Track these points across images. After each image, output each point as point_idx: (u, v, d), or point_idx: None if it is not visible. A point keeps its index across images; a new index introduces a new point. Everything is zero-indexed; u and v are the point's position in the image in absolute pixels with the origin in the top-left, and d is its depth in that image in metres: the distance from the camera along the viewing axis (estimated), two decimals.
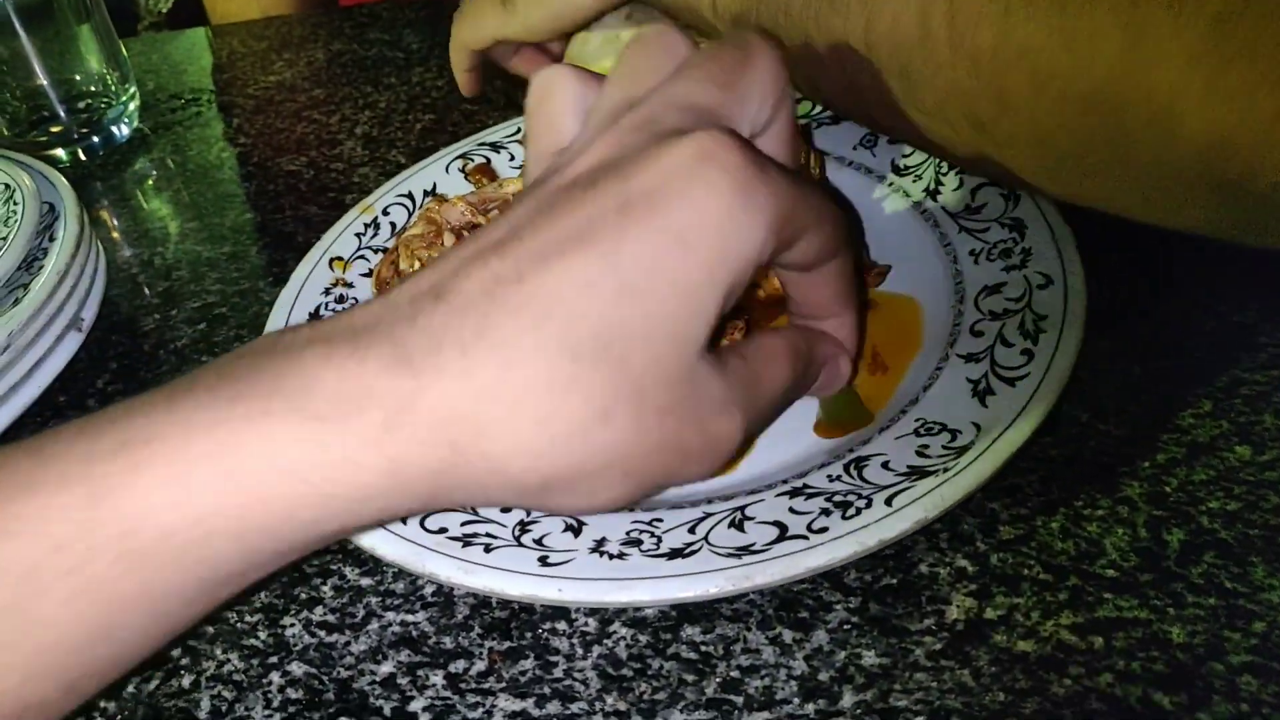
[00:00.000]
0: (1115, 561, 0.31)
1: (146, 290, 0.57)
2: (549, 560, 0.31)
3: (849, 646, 0.30)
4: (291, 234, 0.60)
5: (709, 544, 0.31)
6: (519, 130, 0.58)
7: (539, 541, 0.32)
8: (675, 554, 0.31)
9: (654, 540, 0.32)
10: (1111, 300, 0.40)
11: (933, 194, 0.45)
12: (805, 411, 0.37)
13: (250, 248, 0.60)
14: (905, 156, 0.49)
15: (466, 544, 0.33)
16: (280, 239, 0.60)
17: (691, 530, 0.32)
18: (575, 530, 0.33)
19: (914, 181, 0.47)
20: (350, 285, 0.49)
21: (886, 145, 0.50)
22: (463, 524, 0.34)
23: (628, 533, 0.32)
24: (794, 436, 0.36)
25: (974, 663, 0.29)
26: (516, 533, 0.33)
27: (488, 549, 0.32)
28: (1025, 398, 0.33)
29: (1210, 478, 0.33)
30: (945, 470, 0.31)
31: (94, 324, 0.52)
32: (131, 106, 0.73)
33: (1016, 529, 0.33)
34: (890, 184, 0.47)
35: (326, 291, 0.49)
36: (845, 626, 0.31)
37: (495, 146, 0.57)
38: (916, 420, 0.34)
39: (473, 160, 0.57)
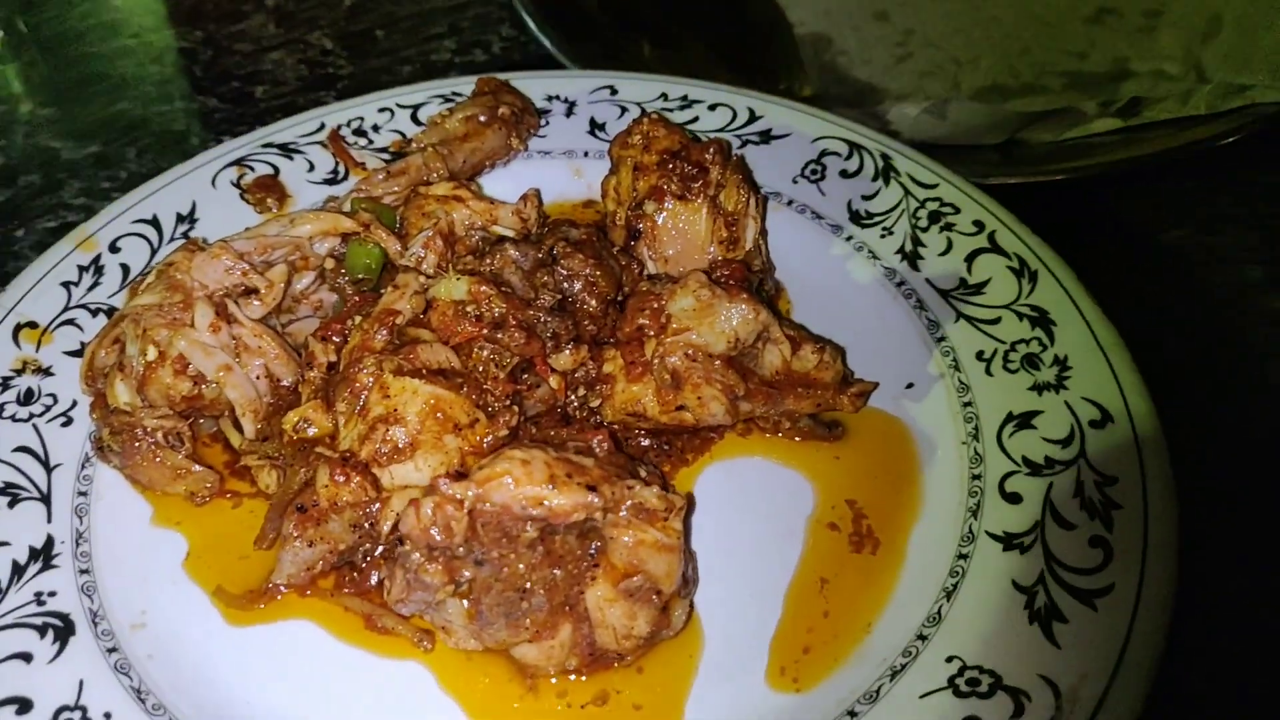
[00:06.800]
0: None
1: None
2: None
3: None
4: (183, 134, 0.50)
5: None
6: (321, 126, 0.45)
7: None
8: None
9: None
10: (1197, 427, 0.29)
11: (911, 258, 0.39)
12: None
13: (125, 149, 0.49)
14: (868, 199, 0.41)
15: None
16: (166, 140, 0.50)
17: None
18: None
19: (882, 237, 0.40)
20: (47, 372, 0.36)
21: (839, 178, 0.41)
22: None
23: None
24: None
25: None
26: None
27: None
28: (1119, 635, 0.23)
29: None
30: None
31: None
32: None
33: None
34: (850, 239, 0.40)
35: (4, 384, 0.34)
36: None
37: (287, 150, 0.43)
38: (950, 661, 0.24)
39: (253, 169, 0.44)
